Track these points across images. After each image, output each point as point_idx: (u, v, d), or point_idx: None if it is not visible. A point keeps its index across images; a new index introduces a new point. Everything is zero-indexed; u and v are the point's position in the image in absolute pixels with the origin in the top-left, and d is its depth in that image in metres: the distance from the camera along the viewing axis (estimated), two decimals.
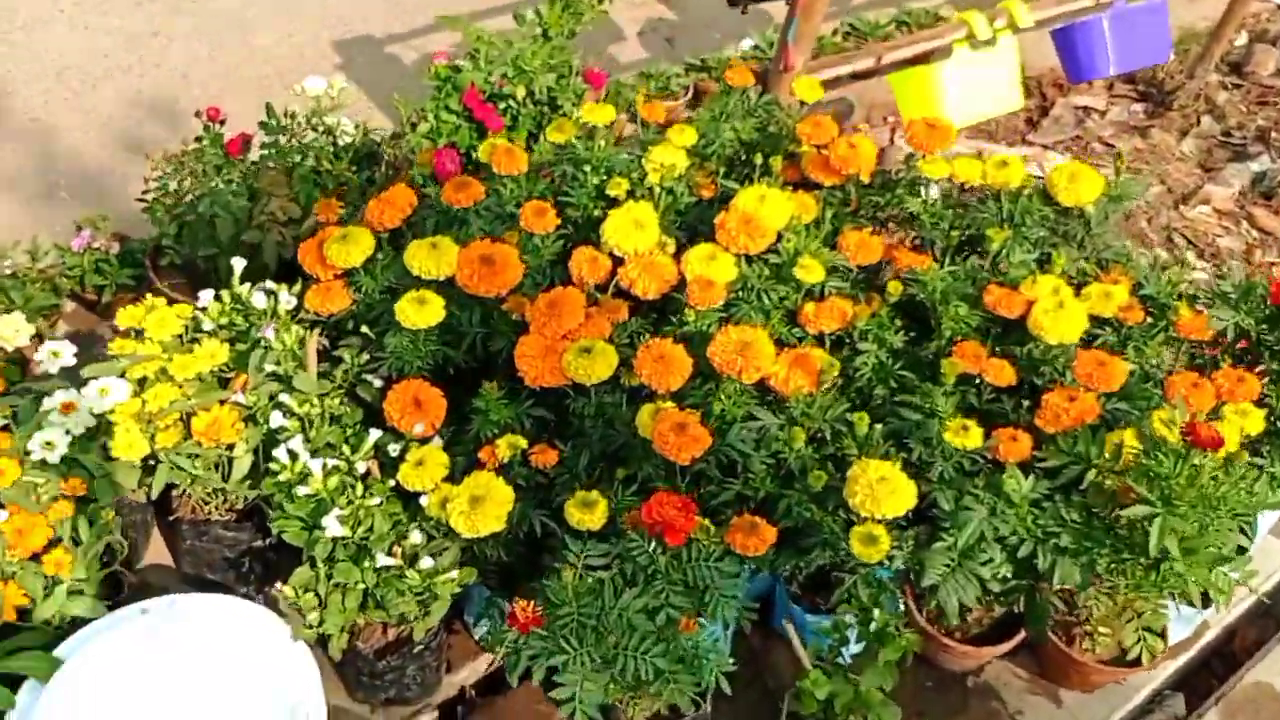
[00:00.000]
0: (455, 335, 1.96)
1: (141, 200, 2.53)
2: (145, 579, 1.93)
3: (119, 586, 1.82)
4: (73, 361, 1.86)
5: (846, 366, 2.02)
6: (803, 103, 2.45)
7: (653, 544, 1.66)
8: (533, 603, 1.57)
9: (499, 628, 1.74)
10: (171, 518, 1.87)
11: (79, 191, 3.15)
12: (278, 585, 1.66)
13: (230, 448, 1.80)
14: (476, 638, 1.96)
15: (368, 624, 1.75)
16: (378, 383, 1.85)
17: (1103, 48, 3.49)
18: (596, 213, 2.20)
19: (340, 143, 2.59)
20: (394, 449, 1.74)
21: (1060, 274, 2.08)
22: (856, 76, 3.38)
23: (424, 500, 1.70)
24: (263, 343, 1.82)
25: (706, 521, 1.74)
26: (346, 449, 1.73)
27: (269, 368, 1.80)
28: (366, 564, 1.65)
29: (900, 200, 2.28)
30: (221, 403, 1.80)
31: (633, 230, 2.04)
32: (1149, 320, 2.10)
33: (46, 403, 1.78)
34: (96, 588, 1.73)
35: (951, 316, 2.02)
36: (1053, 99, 4.17)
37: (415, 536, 1.67)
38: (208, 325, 1.89)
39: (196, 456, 1.79)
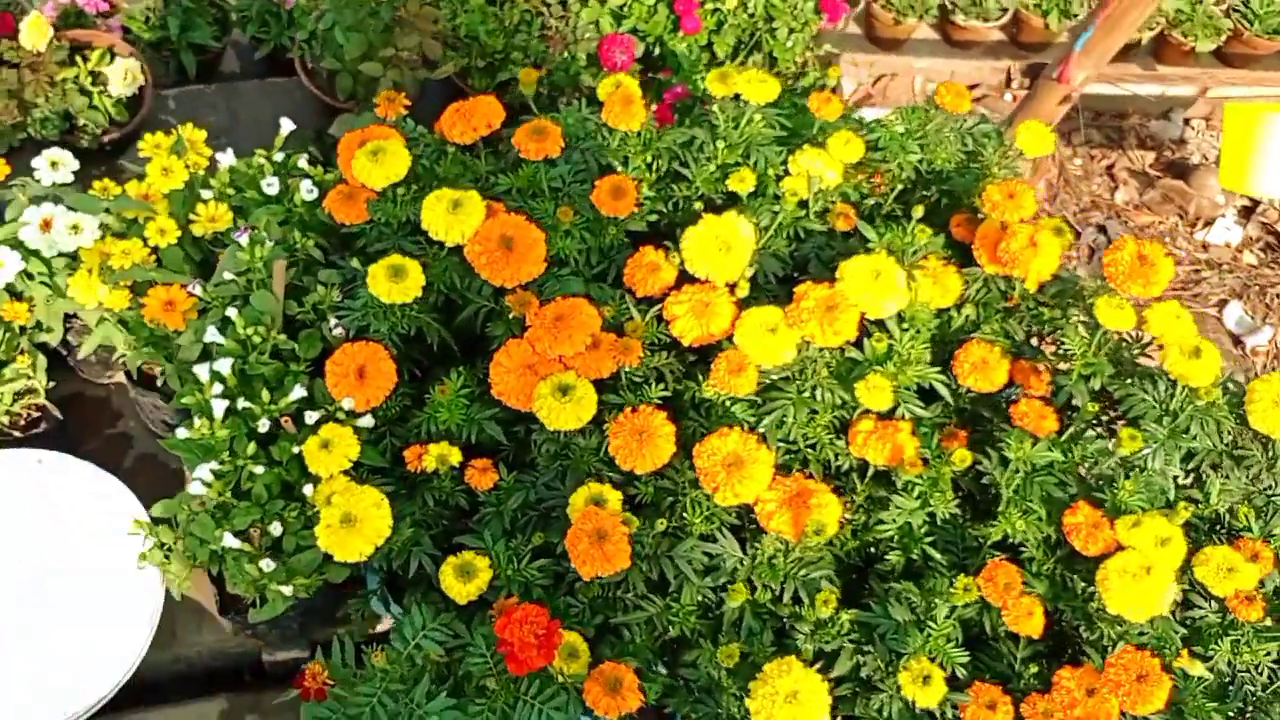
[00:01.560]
0: (460, 296, 1.72)
1: None
2: (73, 418, 1.88)
3: (39, 421, 1.78)
4: (70, 179, 1.74)
5: (873, 512, 1.68)
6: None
7: (493, 654, 1.45)
8: (326, 671, 1.41)
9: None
10: (111, 378, 1.78)
11: None
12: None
13: (177, 332, 1.68)
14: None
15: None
16: (339, 331, 1.65)
17: None
18: (699, 204, 1.86)
19: None
20: (311, 416, 1.57)
21: (1187, 521, 1.62)
22: None
23: (308, 490, 1.54)
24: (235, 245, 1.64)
25: (579, 643, 1.50)
26: (265, 395, 1.57)
27: (228, 275, 1.63)
28: (222, 528, 1.52)
29: (1061, 331, 1.81)
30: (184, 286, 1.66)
31: (715, 253, 1.69)
32: (1268, 621, 1.63)
33: (27, 213, 1.68)
34: None
35: (1011, 523, 1.61)
36: None
37: (275, 528, 1.52)
38: (208, 192, 1.72)
39: (143, 329, 1.67)
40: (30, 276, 1.69)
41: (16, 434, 1.74)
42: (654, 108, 1.96)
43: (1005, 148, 2.00)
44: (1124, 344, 1.83)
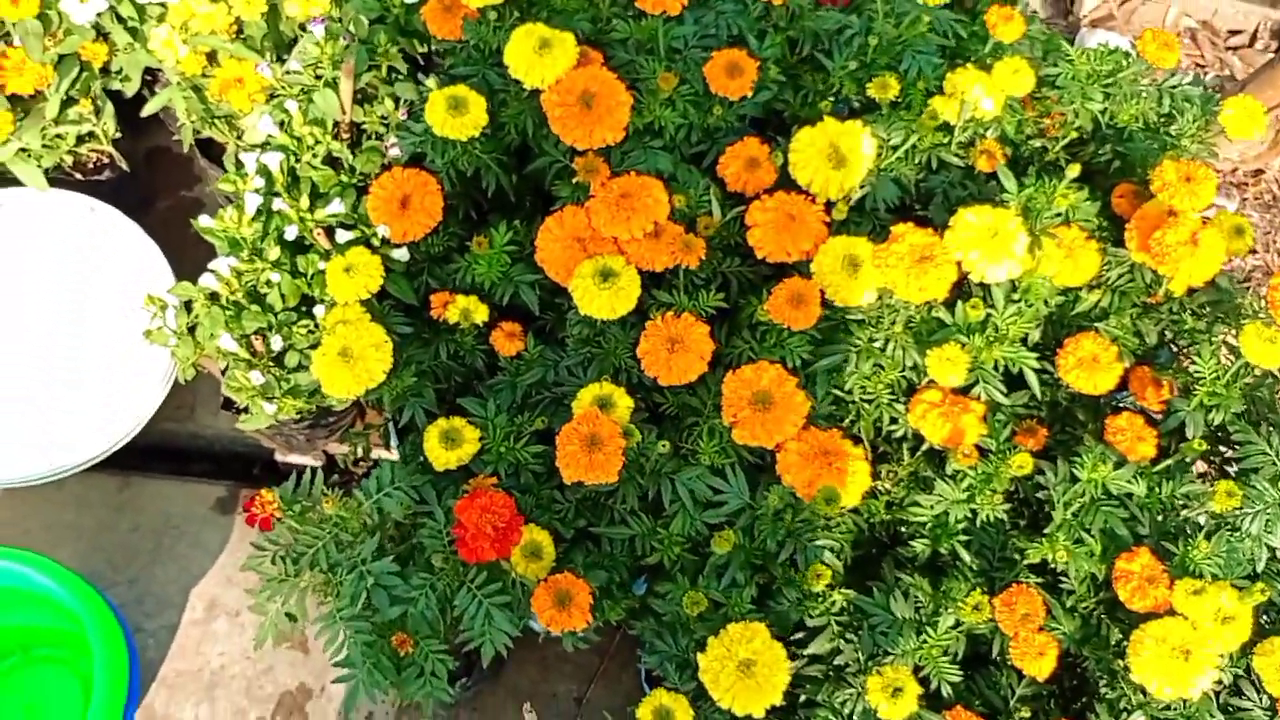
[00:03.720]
0: (536, 144, 1.58)
1: None
2: (149, 174, 1.84)
3: (103, 168, 1.74)
4: None
5: (913, 490, 1.51)
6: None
7: (449, 532, 1.37)
8: (278, 500, 1.36)
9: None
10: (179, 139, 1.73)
11: None
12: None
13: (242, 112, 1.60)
14: None
15: None
16: (395, 152, 1.54)
17: None
18: (827, 104, 1.65)
19: None
20: (343, 236, 1.48)
21: (1267, 602, 1.40)
22: None
23: (319, 310, 1.46)
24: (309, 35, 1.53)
25: (546, 544, 1.40)
26: (304, 201, 1.49)
27: (295, 65, 1.53)
28: (229, 327, 1.47)
29: (1196, 344, 1.56)
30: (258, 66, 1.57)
31: (824, 163, 1.50)
32: None
33: None
34: (56, 160, 1.65)
35: (1054, 549, 1.42)
36: None
37: (276, 342, 1.46)
38: None
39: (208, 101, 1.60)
40: (120, 19, 1.63)
41: (78, 176, 1.72)
42: None
43: (1208, 118, 1.70)
44: (1269, 380, 1.57)
